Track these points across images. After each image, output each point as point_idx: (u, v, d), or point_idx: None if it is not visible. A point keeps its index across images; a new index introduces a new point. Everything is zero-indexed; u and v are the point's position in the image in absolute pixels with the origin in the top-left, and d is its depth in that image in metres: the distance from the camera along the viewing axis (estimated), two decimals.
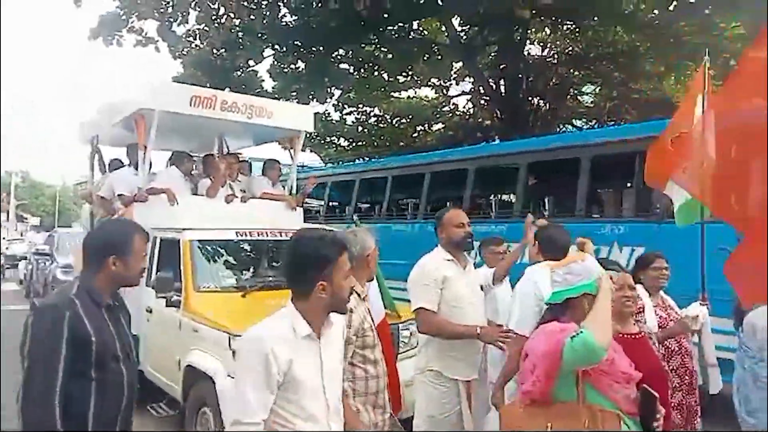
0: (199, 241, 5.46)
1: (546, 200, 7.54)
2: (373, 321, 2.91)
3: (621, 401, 2.30)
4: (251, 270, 5.70)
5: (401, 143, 16.88)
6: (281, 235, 5.85)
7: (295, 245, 2.26)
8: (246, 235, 5.68)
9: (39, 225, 48.97)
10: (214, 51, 11.80)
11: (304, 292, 2.17)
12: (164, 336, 5.39)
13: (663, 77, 13.37)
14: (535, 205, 7.66)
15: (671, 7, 10.05)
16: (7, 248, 22.53)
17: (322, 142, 16.77)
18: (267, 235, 5.79)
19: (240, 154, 7.50)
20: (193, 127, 6.51)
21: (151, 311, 5.61)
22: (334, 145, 17.50)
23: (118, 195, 6.17)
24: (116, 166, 6.90)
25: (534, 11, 10.94)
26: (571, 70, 14.29)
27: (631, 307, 2.80)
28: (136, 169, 6.13)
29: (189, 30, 12.15)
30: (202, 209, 6.15)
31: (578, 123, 16.30)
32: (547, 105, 14.63)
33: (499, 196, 9.48)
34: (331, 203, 10.82)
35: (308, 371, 2.12)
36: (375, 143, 17.45)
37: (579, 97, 16.13)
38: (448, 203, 8.33)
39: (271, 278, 5.56)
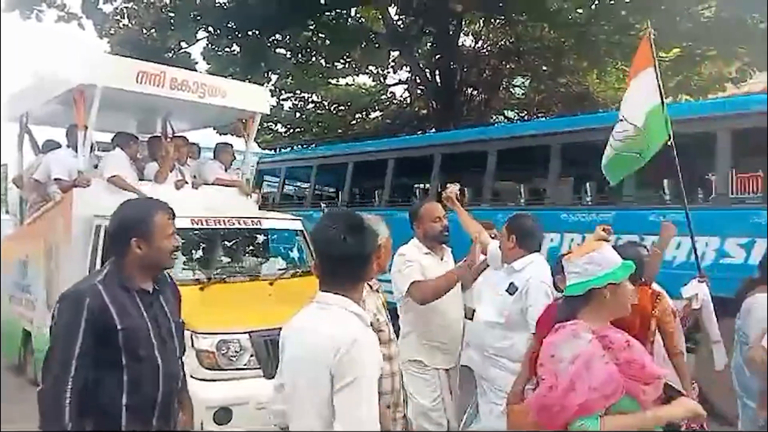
0: None
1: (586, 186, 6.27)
2: (389, 316, 2.57)
3: (651, 404, 2.11)
4: (208, 261, 5.18)
5: (339, 130, 16.45)
6: (239, 223, 5.36)
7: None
8: (201, 223, 5.13)
9: None
10: (144, 31, 11.03)
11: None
12: None
13: (586, 72, 13.70)
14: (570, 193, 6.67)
15: (592, 7, 10.33)
16: None
17: (259, 128, 16.13)
18: (224, 224, 5.27)
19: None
20: (139, 106, 5.83)
21: None
22: (270, 131, 16.94)
23: (55, 179, 5.44)
24: (51, 147, 6.11)
25: (465, 4, 11.02)
26: (503, 63, 14.48)
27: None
28: (76, 150, 5.42)
29: (116, 8, 11.32)
30: (150, 195, 5.55)
31: (510, 114, 16.55)
32: (481, 96, 14.67)
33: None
34: (284, 190, 10.22)
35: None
36: (313, 129, 17.05)
37: (510, 89, 16.38)
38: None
39: (229, 270, 5.08)
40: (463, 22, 13.25)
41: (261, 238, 5.53)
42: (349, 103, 17.05)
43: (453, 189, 4.00)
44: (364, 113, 17.39)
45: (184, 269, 4.88)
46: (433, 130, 14.60)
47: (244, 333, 4.28)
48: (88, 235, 5.15)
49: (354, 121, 17.16)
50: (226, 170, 6.27)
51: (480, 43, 15.07)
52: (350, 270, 1.89)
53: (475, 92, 14.48)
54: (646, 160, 3.80)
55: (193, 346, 4.14)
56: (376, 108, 17.33)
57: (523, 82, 16.68)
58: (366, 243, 1.90)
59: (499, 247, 3.41)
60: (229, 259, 5.31)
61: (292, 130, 17.17)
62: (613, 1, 10.43)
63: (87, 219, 5.18)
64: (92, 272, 2.36)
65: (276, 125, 16.89)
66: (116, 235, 2.24)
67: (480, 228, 3.82)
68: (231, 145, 6.46)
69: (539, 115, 15.16)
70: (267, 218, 5.62)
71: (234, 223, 5.32)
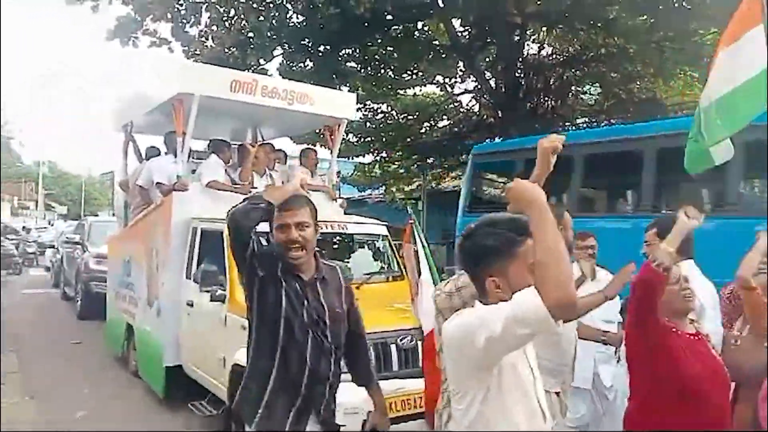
0: None
1: None
2: None
3: None
4: None
5: (408, 139, 16.46)
6: (326, 227, 5.23)
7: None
8: None
9: (66, 214, 48.47)
10: (226, 50, 11.44)
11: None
12: (207, 332, 4.78)
13: (653, 79, 12.93)
14: None
15: (648, 15, 9.82)
16: (39, 236, 21.98)
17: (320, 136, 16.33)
18: None
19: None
20: (231, 113, 5.85)
21: (192, 305, 5.00)
22: (342, 141, 17.04)
23: (157, 183, 5.53)
24: (153, 154, 6.25)
25: (524, 16, 10.65)
26: (570, 70, 13.91)
27: (691, 301, 2.28)
28: (175, 156, 5.50)
29: (201, 31, 11.80)
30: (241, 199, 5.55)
31: (579, 122, 15.88)
32: (548, 103, 14.15)
33: None
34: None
35: None
36: (383, 139, 17.03)
37: (581, 96, 15.70)
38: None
39: None
40: (527, 32, 12.88)
41: (347, 242, 5.39)
42: (417, 113, 16.90)
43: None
44: (432, 121, 17.22)
45: None
46: (500, 138, 14.31)
47: None
48: (186, 236, 5.20)
49: (422, 130, 17.03)
50: (311, 175, 6.19)
51: (544, 51, 14.64)
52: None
53: (541, 100, 14.02)
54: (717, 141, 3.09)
55: None
56: (444, 116, 17.09)
57: (589, 89, 15.99)
58: None
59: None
60: None
61: (362, 139, 17.26)
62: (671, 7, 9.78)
63: (185, 221, 5.22)
64: None
65: (347, 135, 17.04)
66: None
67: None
68: (316, 150, 6.38)
69: (610, 121, 14.31)
70: (353, 222, 5.47)
71: (321, 227, 5.20)
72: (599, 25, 10.62)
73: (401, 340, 4.13)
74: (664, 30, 9.41)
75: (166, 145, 6.05)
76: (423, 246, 4.56)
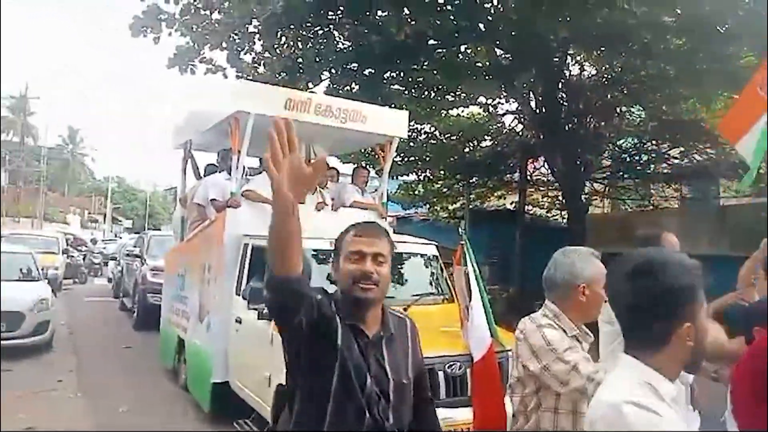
0: None
1: None
2: None
3: None
4: None
5: (451, 158, 16.18)
6: None
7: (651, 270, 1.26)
8: None
9: (131, 227, 50.28)
10: (276, 75, 11.58)
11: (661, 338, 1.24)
12: (254, 350, 4.59)
13: (692, 101, 12.20)
14: None
15: (683, 40, 9.41)
16: (104, 248, 22.75)
17: (376, 156, 16.25)
18: None
19: None
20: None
21: (240, 322, 4.84)
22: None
23: (211, 200, 5.45)
24: (211, 171, 6.22)
25: (559, 41, 10.33)
26: (613, 92, 13.39)
27: None
28: (229, 173, 5.41)
29: (254, 57, 12.06)
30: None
31: (621, 143, 15.23)
32: (590, 124, 13.56)
33: None
34: None
35: None
36: (426, 158, 16.82)
37: (626, 117, 15.09)
38: None
39: None
40: (567, 54, 12.45)
41: (396, 261, 5.12)
42: (460, 133, 16.65)
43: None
44: (475, 141, 16.83)
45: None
46: (542, 158, 14.06)
47: None
48: (237, 253, 5.07)
49: (466, 149, 16.64)
50: (362, 193, 6.00)
51: (585, 72, 14.11)
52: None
53: (583, 120, 13.46)
54: None
55: None
56: (487, 136, 16.77)
57: (629, 110, 15.39)
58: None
59: None
60: None
61: (405, 159, 17.14)
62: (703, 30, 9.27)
63: (237, 238, 5.09)
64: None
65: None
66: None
67: None
68: (368, 169, 6.19)
69: (654, 143, 13.99)
70: (402, 242, 5.21)
71: None
72: (635, 48, 10.08)
73: (449, 367, 3.81)
74: (702, 53, 8.94)
75: (221, 163, 6.00)
76: (474, 268, 4.26)
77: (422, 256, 5.17)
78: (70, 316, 10.17)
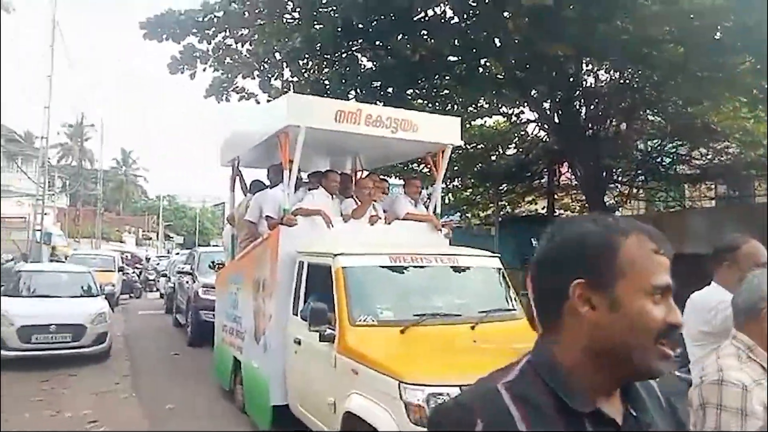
0: (354, 267, 4.14)
1: None
2: None
3: None
4: (408, 301, 4.33)
5: (477, 167, 15.90)
6: (437, 261, 4.48)
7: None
8: (400, 260, 4.34)
9: (182, 243, 50.83)
10: None
11: None
12: (316, 373, 4.10)
13: (703, 106, 11.55)
14: None
15: (680, 50, 9.00)
16: (158, 264, 22.77)
17: (405, 168, 16.14)
18: (422, 261, 4.42)
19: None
20: (335, 143, 5.29)
21: (299, 343, 4.36)
22: (413, 170, 16.73)
23: (266, 216, 5.03)
24: (258, 188, 5.83)
25: (560, 49, 9.89)
26: (629, 98, 12.78)
27: None
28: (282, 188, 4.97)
29: (284, 82, 12.22)
30: (347, 232, 4.91)
31: (642, 146, 14.54)
32: (610, 129, 13.12)
33: None
34: None
35: None
36: (454, 167, 16.43)
37: (646, 120, 14.38)
38: None
39: (429, 311, 4.16)
40: (581, 63, 12.01)
41: (458, 276, 4.57)
42: (485, 142, 16.21)
43: None
44: (500, 150, 16.54)
45: (385, 309, 4.09)
46: (566, 164, 13.71)
47: (456, 387, 3.33)
48: (292, 270, 4.61)
49: (493, 157, 16.29)
50: (415, 205, 5.49)
51: (600, 80, 13.47)
52: None
53: (602, 126, 13.03)
54: None
55: (400, 397, 3.29)
56: (511, 144, 16.43)
57: (646, 114, 14.69)
58: None
59: None
60: (427, 299, 4.41)
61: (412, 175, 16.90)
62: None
63: (291, 255, 4.63)
64: (496, 370, 0.89)
65: (420, 166, 16.58)
66: (545, 276, 0.91)
67: None
68: (420, 179, 5.68)
69: (673, 145, 13.59)
70: (464, 255, 4.67)
71: (431, 260, 4.45)
72: (636, 59, 9.85)
73: None
74: (698, 62, 8.75)
75: (273, 178, 5.60)
76: None
77: (487, 268, 4.60)
78: (126, 328, 10.83)
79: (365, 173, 6.05)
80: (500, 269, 4.55)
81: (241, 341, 5.38)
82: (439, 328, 4.02)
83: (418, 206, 5.47)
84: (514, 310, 4.40)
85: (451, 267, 4.46)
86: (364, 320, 3.90)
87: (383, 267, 4.23)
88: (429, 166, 5.63)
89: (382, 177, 5.76)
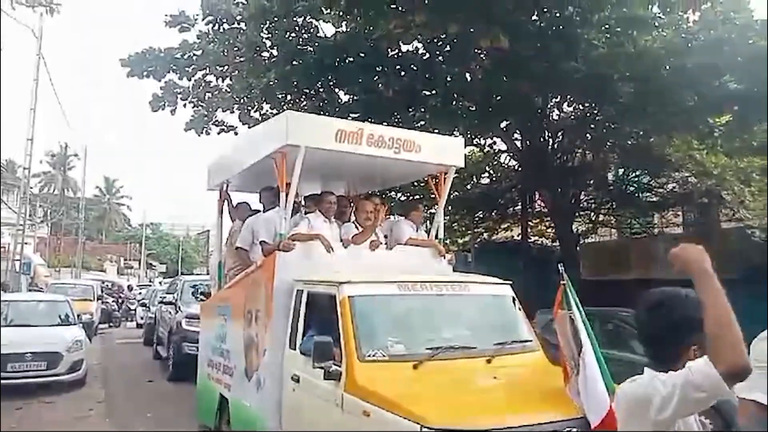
0: (362, 296, 3.61)
1: None
2: None
3: None
4: (419, 333, 3.80)
5: (452, 195, 15.63)
6: (447, 289, 3.98)
7: None
8: (410, 288, 3.83)
9: (165, 272, 48.91)
10: None
11: None
12: (319, 414, 3.49)
13: (656, 138, 11.80)
14: None
15: (632, 87, 9.28)
16: (139, 293, 21.53)
17: (383, 195, 15.98)
18: (431, 289, 3.92)
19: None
20: (333, 164, 4.81)
21: (298, 380, 3.79)
22: (391, 199, 16.49)
23: (261, 242, 4.47)
24: (245, 211, 5.29)
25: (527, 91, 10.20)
26: (592, 130, 12.85)
27: None
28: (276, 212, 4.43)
29: (262, 115, 12.19)
30: (347, 258, 4.39)
31: (606, 176, 14.55)
32: (577, 158, 13.31)
33: None
34: None
35: None
36: (431, 195, 16.13)
37: (611, 151, 14.43)
38: None
39: (442, 344, 3.64)
40: (548, 99, 12.11)
41: (471, 305, 4.08)
42: (460, 172, 16.07)
43: None
44: (474, 178, 16.31)
45: (396, 343, 3.55)
46: (537, 193, 13.73)
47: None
48: (289, 300, 4.05)
49: (467, 186, 15.98)
50: (416, 230, 5.02)
51: (562, 113, 13.66)
52: None
53: (567, 156, 13.18)
54: None
55: None
56: (483, 174, 16.34)
57: (610, 145, 14.78)
58: None
59: None
60: (438, 331, 3.89)
61: (410, 198, 16.56)
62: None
63: (288, 283, 4.07)
64: None
65: (396, 193, 16.35)
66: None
67: None
68: (422, 203, 5.23)
69: (636, 174, 13.70)
70: (476, 282, 4.20)
71: (442, 289, 3.95)
72: (592, 95, 10.24)
73: None
74: (648, 99, 9.03)
75: (261, 201, 5.08)
76: (581, 312, 3.24)
77: (499, 296, 4.13)
78: (103, 357, 10.75)
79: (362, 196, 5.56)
80: (513, 297, 4.09)
81: (230, 377, 4.73)
82: (454, 362, 3.51)
83: (419, 231, 5.00)
84: (530, 341, 3.92)
85: (463, 295, 3.98)
86: (374, 355, 3.36)
87: (392, 296, 3.71)
88: (430, 188, 5.16)
89: (382, 199, 5.25)
